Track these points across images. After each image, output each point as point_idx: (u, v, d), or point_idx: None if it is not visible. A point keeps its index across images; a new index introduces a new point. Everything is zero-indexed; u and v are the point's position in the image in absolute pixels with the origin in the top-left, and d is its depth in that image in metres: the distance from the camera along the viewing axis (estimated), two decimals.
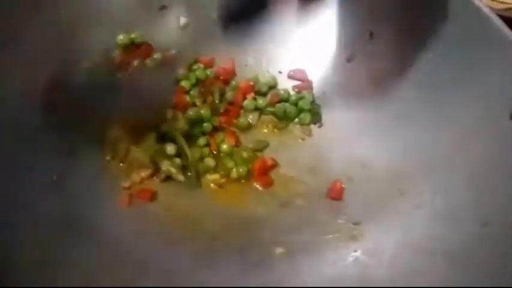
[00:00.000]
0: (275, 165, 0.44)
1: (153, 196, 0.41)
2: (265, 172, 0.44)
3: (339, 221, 0.40)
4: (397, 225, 0.38)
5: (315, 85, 0.48)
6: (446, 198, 0.37)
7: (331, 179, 0.42)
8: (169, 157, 0.42)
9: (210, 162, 0.44)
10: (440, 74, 0.40)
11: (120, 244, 0.37)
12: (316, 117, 0.47)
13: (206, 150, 0.45)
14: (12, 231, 0.33)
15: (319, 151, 0.45)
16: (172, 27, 0.49)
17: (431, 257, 0.35)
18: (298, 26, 0.48)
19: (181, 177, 0.42)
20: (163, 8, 0.48)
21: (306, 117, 0.47)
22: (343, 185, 0.42)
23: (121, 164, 0.43)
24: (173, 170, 0.42)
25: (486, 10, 0.37)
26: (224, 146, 0.45)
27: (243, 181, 0.43)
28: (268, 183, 0.43)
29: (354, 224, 0.39)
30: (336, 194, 0.42)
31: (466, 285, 0.32)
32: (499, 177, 0.35)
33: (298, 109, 0.47)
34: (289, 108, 0.47)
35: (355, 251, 0.38)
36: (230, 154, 0.45)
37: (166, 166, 0.42)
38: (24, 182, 0.36)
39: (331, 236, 0.39)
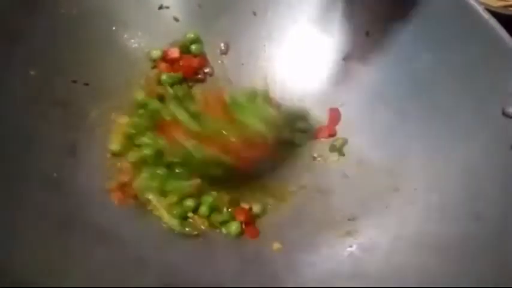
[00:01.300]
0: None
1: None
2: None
3: (335, 216, 0.40)
4: (391, 221, 0.38)
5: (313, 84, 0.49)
6: (440, 193, 0.37)
7: (327, 175, 0.43)
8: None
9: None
10: (435, 73, 0.41)
11: (119, 241, 0.37)
12: None
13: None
14: (11, 229, 0.33)
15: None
16: None
17: (425, 251, 0.35)
18: (293, 24, 0.48)
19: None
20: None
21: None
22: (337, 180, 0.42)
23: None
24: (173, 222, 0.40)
25: (479, 8, 0.38)
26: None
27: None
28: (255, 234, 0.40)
29: (349, 219, 0.40)
30: None
31: (460, 278, 0.32)
32: (491, 172, 0.35)
33: None
34: None
35: (350, 247, 0.38)
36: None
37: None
38: (23, 179, 0.37)
39: (326, 231, 0.40)
